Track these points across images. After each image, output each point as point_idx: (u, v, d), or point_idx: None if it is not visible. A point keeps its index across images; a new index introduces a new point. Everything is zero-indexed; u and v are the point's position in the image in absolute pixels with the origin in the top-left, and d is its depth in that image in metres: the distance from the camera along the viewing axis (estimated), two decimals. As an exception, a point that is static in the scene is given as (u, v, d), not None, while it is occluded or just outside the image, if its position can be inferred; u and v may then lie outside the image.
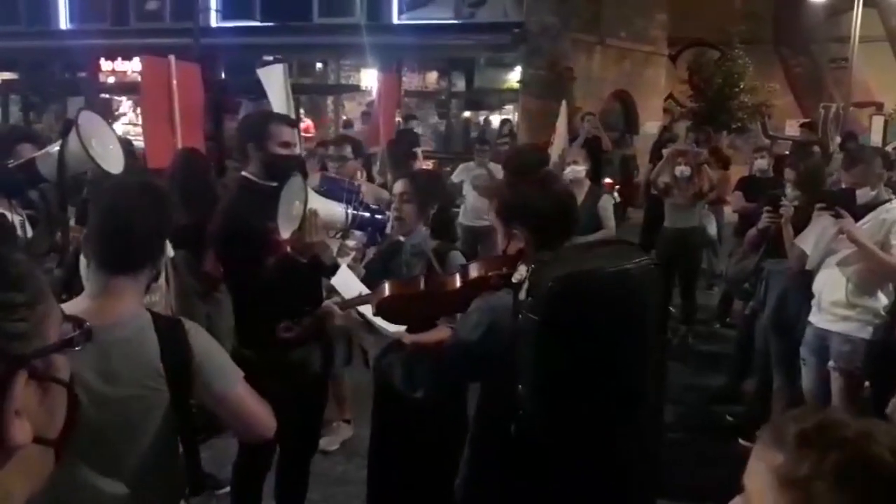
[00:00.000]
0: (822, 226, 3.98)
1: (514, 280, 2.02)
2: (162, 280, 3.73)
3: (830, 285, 4.05)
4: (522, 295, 1.94)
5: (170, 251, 3.99)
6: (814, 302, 4.17)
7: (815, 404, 4.25)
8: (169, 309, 3.96)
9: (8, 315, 0.76)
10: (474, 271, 2.28)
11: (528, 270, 1.98)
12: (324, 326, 2.51)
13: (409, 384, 2.20)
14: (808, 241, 4.07)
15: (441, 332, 2.47)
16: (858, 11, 14.74)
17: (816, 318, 4.14)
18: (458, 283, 2.29)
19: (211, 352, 2.02)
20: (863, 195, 4.09)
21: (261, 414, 2.05)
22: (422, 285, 2.40)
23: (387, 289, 2.36)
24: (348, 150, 4.86)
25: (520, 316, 1.93)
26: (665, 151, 7.59)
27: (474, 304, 2.15)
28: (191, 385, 1.94)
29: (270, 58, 15.99)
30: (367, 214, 3.05)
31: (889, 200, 4.04)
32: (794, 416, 1.02)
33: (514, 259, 2.17)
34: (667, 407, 5.31)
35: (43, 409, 0.80)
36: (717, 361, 6.34)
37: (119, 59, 18.34)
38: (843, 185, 4.07)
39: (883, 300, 4.02)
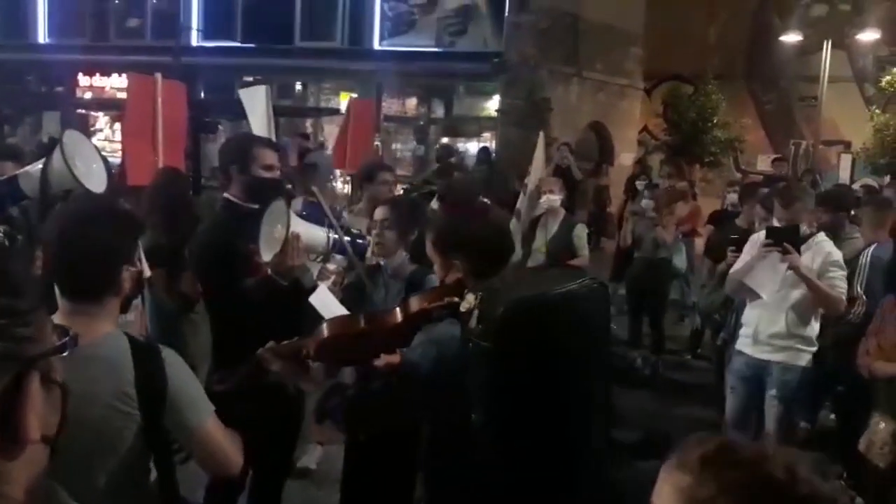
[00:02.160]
0: (770, 261, 4.10)
1: (462, 309, 2.05)
2: (137, 300, 3.73)
3: (767, 318, 4.19)
4: (473, 323, 1.97)
5: (146, 271, 4.00)
6: (745, 333, 4.32)
7: (734, 433, 4.40)
8: (144, 329, 3.95)
9: (17, 320, 0.80)
10: (415, 305, 2.28)
11: (476, 298, 2.01)
12: (263, 374, 2.47)
13: (353, 427, 2.21)
14: (758, 278, 4.17)
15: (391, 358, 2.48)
16: (827, 52, 15.18)
17: (751, 350, 4.28)
18: (400, 318, 2.29)
19: (186, 383, 2.00)
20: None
21: (228, 450, 2.02)
22: (362, 323, 2.37)
23: (325, 330, 2.33)
24: (390, 176, 4.84)
25: (470, 344, 1.96)
26: (638, 185, 7.74)
27: (417, 337, 2.16)
28: (162, 413, 1.92)
29: (250, 78, 16.05)
30: (348, 238, 3.09)
31: (813, 234, 4.21)
32: (698, 440, 1.11)
33: (452, 289, 2.19)
34: (633, 433, 5.39)
35: (45, 408, 0.84)
36: (686, 391, 6.43)
37: (97, 74, 18.27)
38: (780, 222, 4.20)
39: (815, 328, 4.21)
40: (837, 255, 4.17)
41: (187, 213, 5.03)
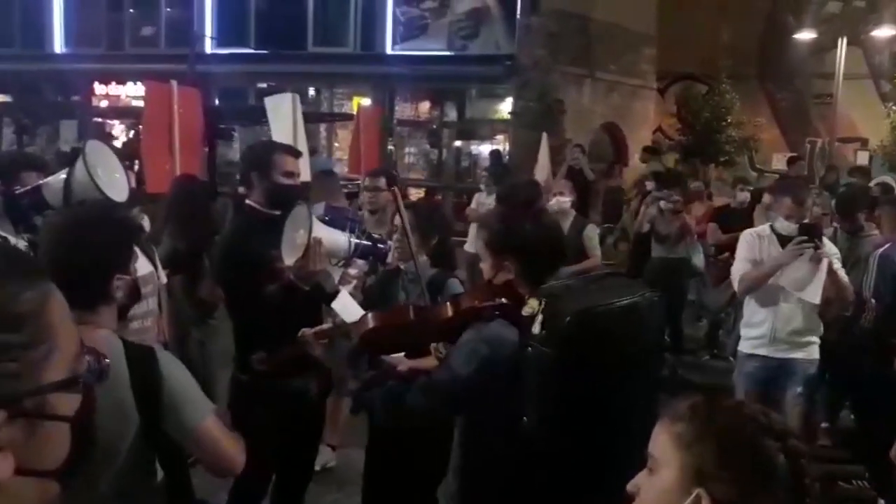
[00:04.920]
0: (804, 259, 4.05)
1: (524, 313, 2.06)
2: (155, 305, 3.77)
3: (784, 316, 4.16)
4: (536, 328, 1.98)
5: (163, 278, 4.04)
6: (755, 335, 4.26)
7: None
8: (162, 335, 3.99)
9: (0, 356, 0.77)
10: (466, 301, 2.30)
11: (539, 304, 2.03)
12: (303, 356, 2.49)
13: (390, 417, 2.23)
14: (795, 278, 4.12)
15: (431, 361, 2.48)
16: (842, 50, 15.07)
17: (767, 350, 4.22)
18: (450, 313, 2.30)
19: (182, 383, 1.99)
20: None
21: (230, 448, 2.02)
22: (411, 315, 2.39)
23: (370, 320, 2.34)
24: (382, 182, 4.91)
25: (530, 349, 1.98)
26: (647, 185, 7.73)
27: (466, 335, 2.17)
28: (159, 414, 1.92)
29: (264, 85, 16.18)
30: (369, 243, 3.11)
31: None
32: (689, 398, 1.34)
33: (501, 290, 2.20)
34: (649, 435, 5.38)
35: (33, 443, 0.81)
36: (704, 392, 6.40)
37: (113, 83, 18.44)
38: (791, 220, 4.18)
39: (820, 322, 4.23)
40: (834, 247, 4.22)
41: (205, 220, 5.08)
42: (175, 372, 1.98)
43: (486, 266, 2.30)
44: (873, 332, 4.17)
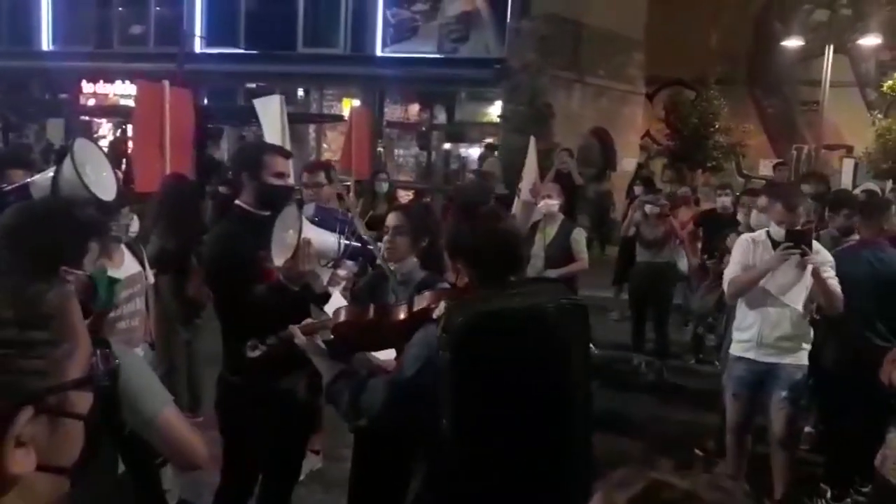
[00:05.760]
0: (790, 265, 4.10)
1: (433, 316, 2.08)
2: (142, 305, 3.76)
3: (771, 321, 4.20)
4: (438, 331, 2.00)
5: (150, 277, 4.03)
6: (744, 338, 4.31)
7: (735, 439, 4.46)
8: (148, 334, 3.98)
9: (26, 353, 0.80)
10: (420, 303, 2.30)
11: (445, 307, 2.04)
12: (291, 348, 2.51)
13: (353, 412, 2.23)
14: (781, 284, 4.16)
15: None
16: (829, 57, 15.21)
17: (754, 354, 4.27)
18: (404, 314, 2.32)
19: (138, 374, 1.97)
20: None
21: (191, 440, 2.00)
22: (371, 314, 2.41)
23: (342, 314, 2.40)
24: (322, 177, 4.89)
25: (440, 352, 1.99)
26: (635, 189, 7.76)
27: (415, 336, 2.17)
28: (117, 407, 1.89)
29: (253, 85, 16.14)
30: (359, 244, 3.12)
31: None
32: (622, 480, 0.98)
33: (461, 291, 2.22)
34: (638, 440, 5.41)
35: (54, 439, 0.84)
36: (690, 396, 6.45)
37: (101, 81, 18.34)
38: (781, 226, 4.18)
39: (809, 328, 4.25)
40: (829, 255, 4.19)
41: (194, 219, 5.07)
42: (130, 363, 1.95)
43: (450, 270, 2.32)
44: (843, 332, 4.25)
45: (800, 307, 4.11)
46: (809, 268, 4.02)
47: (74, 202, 2.67)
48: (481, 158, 14.16)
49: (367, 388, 2.23)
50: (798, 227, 4.08)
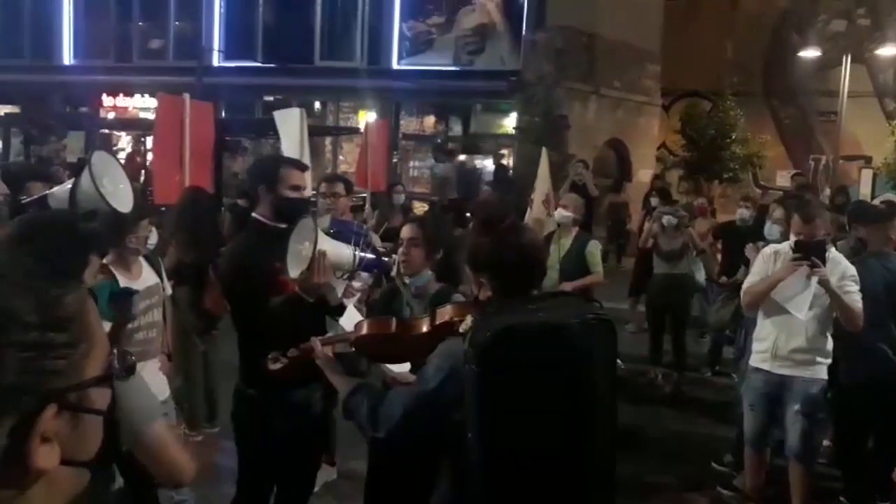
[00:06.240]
0: (799, 277, 4.08)
1: (460, 330, 2.08)
2: (159, 317, 3.80)
3: (786, 332, 4.17)
4: (465, 345, 2.00)
5: (168, 289, 4.07)
6: (761, 349, 4.29)
7: (753, 452, 4.42)
8: (167, 346, 4.01)
9: (46, 354, 0.83)
10: (442, 316, 2.32)
11: (472, 321, 2.04)
12: (311, 361, 2.52)
13: (372, 424, 2.22)
14: (788, 295, 4.15)
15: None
16: (846, 67, 15.12)
17: (770, 366, 4.24)
18: (426, 327, 2.33)
19: (129, 387, 2.00)
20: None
21: (178, 457, 1.98)
22: (393, 327, 2.42)
23: (364, 328, 2.41)
24: (340, 188, 4.94)
25: (466, 365, 2.00)
26: (652, 201, 7.72)
27: (437, 349, 2.18)
28: (116, 424, 1.93)
29: (271, 98, 16.27)
30: (374, 257, 3.13)
31: (828, 250, 4.19)
32: None
33: (483, 305, 2.22)
34: (655, 453, 5.37)
35: (75, 435, 0.87)
36: (707, 408, 6.40)
37: (121, 95, 18.57)
38: (799, 237, 4.15)
39: (830, 341, 4.20)
40: (852, 269, 4.14)
41: (212, 232, 5.12)
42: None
43: (471, 283, 2.33)
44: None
45: (802, 315, 4.09)
46: (814, 280, 4.00)
47: (73, 217, 2.69)
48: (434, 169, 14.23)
49: (386, 399, 2.23)
50: (808, 239, 4.06)
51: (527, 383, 1.99)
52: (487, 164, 16.27)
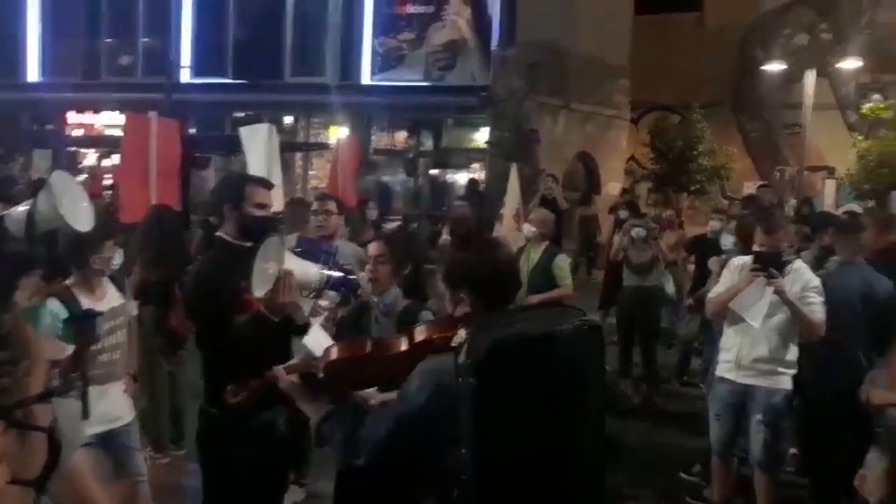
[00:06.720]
0: (756, 287, 4.18)
1: (453, 343, 2.08)
2: (124, 338, 3.75)
3: (749, 342, 4.25)
4: (462, 358, 2.00)
5: (133, 309, 4.03)
6: (726, 359, 4.37)
7: (720, 461, 4.48)
8: (133, 367, 3.96)
9: None
10: (420, 334, 2.30)
11: (467, 334, 2.05)
12: (273, 390, 2.47)
13: (351, 450, 2.20)
14: (745, 303, 4.25)
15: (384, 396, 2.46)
16: (810, 81, 15.42)
17: (734, 375, 4.32)
18: (404, 346, 2.30)
19: (59, 409, 1.97)
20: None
21: (93, 491, 1.97)
22: (368, 348, 2.37)
23: (334, 352, 2.35)
24: (332, 206, 4.94)
25: (460, 379, 1.99)
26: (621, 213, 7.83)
27: (418, 367, 2.17)
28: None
29: (241, 114, 16.21)
30: (341, 275, 3.12)
31: (791, 261, 4.30)
32: None
33: (459, 322, 2.22)
34: (626, 465, 5.40)
35: (22, 453, 0.88)
36: (677, 419, 6.45)
37: (88, 112, 18.38)
38: (762, 247, 4.23)
39: (795, 352, 4.27)
40: (816, 280, 4.24)
41: (178, 250, 5.07)
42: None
43: (447, 299, 2.33)
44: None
45: (756, 324, 4.18)
46: (770, 289, 4.09)
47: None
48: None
49: (366, 425, 2.21)
50: (769, 251, 4.14)
51: (525, 393, 2.00)
52: (459, 179, 16.35)
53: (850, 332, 4.31)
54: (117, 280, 3.86)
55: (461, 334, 2.08)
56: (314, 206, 4.96)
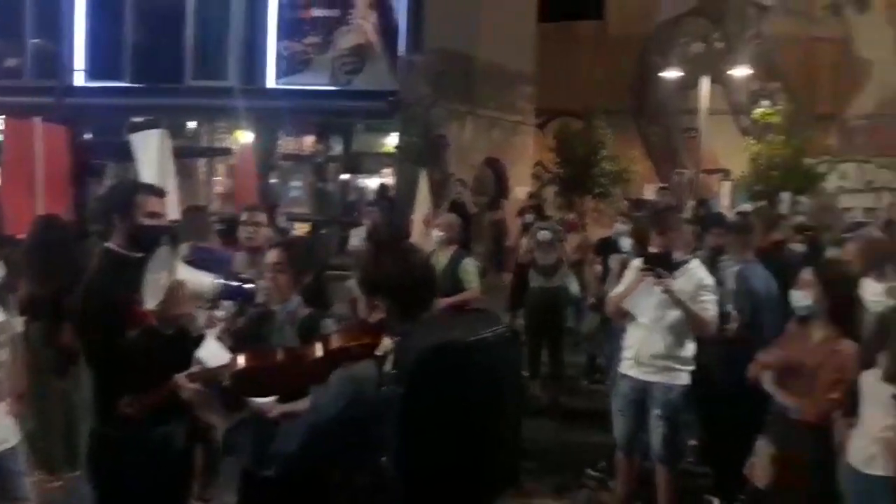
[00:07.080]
0: (647, 286, 4.35)
1: (378, 353, 2.06)
2: (6, 356, 3.54)
3: (647, 339, 4.42)
4: (388, 367, 1.99)
5: (17, 325, 3.80)
6: (627, 356, 4.54)
7: (623, 456, 4.62)
8: (15, 387, 3.74)
9: None
10: (336, 341, 2.26)
11: (393, 342, 2.03)
12: (174, 400, 2.42)
13: (262, 461, 2.15)
14: (635, 302, 4.44)
15: (305, 404, 2.40)
16: (704, 87, 16.14)
17: (634, 372, 4.49)
18: (319, 353, 2.25)
19: None
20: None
21: None
22: (280, 356, 2.32)
23: (242, 360, 2.28)
24: (262, 217, 4.81)
25: (384, 388, 1.98)
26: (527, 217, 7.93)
27: (335, 375, 2.14)
28: None
29: (140, 119, 15.62)
30: (236, 284, 3.03)
31: (687, 261, 4.48)
32: None
33: (374, 328, 2.21)
34: (534, 462, 5.48)
35: None
36: (584, 417, 6.59)
37: (-28, 117, 17.34)
38: (655, 248, 4.47)
39: (691, 348, 4.45)
40: (709, 279, 4.44)
41: (66, 262, 4.82)
42: None
43: (361, 305, 2.30)
44: (737, 341, 4.45)
45: (644, 320, 4.36)
46: (658, 288, 4.26)
47: None
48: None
49: (278, 434, 2.15)
50: (661, 251, 4.31)
51: (450, 401, 1.99)
52: (370, 184, 16.27)
53: (755, 326, 4.50)
54: (0, 297, 3.64)
55: (387, 343, 2.05)
56: (243, 217, 4.83)
